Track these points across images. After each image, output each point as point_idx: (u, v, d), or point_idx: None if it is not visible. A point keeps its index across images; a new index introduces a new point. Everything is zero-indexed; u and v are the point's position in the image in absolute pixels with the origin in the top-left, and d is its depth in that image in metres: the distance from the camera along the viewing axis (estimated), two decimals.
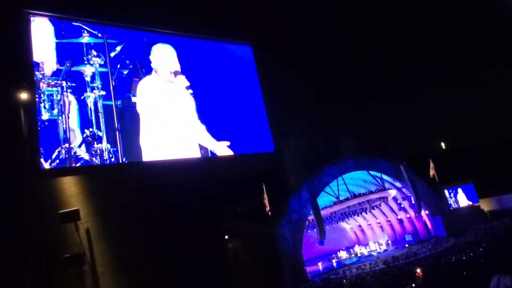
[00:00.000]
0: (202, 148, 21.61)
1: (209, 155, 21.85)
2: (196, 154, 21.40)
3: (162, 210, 18.23)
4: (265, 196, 23.03)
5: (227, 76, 24.49)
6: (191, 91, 21.10)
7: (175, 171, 19.82)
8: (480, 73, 39.37)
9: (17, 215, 15.13)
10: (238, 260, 21.97)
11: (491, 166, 36.44)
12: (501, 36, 35.92)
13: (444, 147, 43.02)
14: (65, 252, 15.29)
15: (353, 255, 30.90)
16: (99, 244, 16.57)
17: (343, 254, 31.05)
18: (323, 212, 27.66)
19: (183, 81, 21.14)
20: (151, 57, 20.82)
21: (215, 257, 19.72)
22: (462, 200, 33.53)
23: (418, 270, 11.51)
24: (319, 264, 28.14)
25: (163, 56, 21.18)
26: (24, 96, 15.88)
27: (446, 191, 33.14)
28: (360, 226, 36.80)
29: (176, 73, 21.17)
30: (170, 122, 20.49)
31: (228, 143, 22.58)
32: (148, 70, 20.92)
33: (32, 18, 17.85)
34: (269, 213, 22.93)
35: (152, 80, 20.51)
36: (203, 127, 21.96)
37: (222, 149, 22.35)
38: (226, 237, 22.03)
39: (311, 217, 26.68)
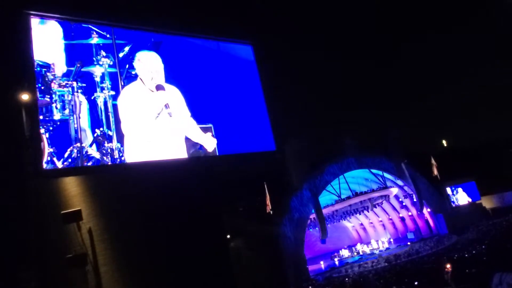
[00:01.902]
0: (201, 148, 21.43)
1: (217, 152, 21.74)
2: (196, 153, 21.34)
3: (163, 209, 18.27)
4: (267, 195, 23.05)
5: (228, 75, 24.50)
6: (169, 110, 20.25)
7: (176, 171, 19.84)
8: (481, 71, 39.28)
9: (19, 216, 15.18)
10: (240, 259, 22.01)
11: (493, 163, 36.37)
12: (502, 35, 35.84)
13: (445, 145, 42.94)
14: (68, 252, 15.33)
15: (355, 253, 30.94)
16: (101, 244, 16.61)
17: (345, 253, 31.10)
18: (324, 211, 27.69)
19: (162, 97, 20.43)
20: (134, 65, 20.45)
21: (217, 256, 19.75)
22: (462, 198, 33.52)
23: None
24: (321, 262, 28.17)
25: (146, 66, 20.81)
26: (25, 97, 15.93)
27: (448, 189, 33.12)
28: (362, 224, 36.82)
29: (158, 87, 20.33)
30: (159, 129, 20.08)
31: (210, 125, 22.03)
32: None
33: (43, 21, 18.06)
34: (271, 212, 22.95)
35: (136, 88, 20.11)
36: (193, 123, 21.62)
37: (209, 141, 21.74)
38: (228, 236, 22.06)
39: (312, 216, 26.70)
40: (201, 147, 21.35)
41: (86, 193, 17.00)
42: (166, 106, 20.05)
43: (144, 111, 19.83)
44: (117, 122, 18.79)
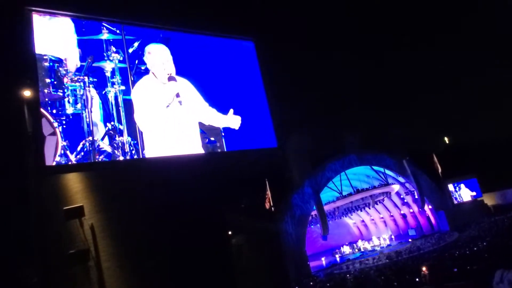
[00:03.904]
0: (209, 142, 21.70)
1: (221, 148, 21.90)
2: (199, 150, 21.45)
3: (165, 205, 18.30)
4: (268, 192, 23.07)
5: (229, 72, 24.49)
6: (180, 98, 20.67)
7: (178, 168, 19.86)
8: (483, 67, 39.14)
9: (22, 212, 15.23)
10: (241, 255, 22.06)
11: (495, 160, 36.28)
12: (504, 32, 35.69)
13: (447, 142, 42.85)
14: (70, 248, 15.40)
15: (356, 250, 30.97)
16: (103, 240, 16.67)
17: (346, 249, 31.13)
18: (326, 208, 27.71)
19: (174, 87, 20.76)
20: (145, 59, 20.78)
21: (219, 252, 19.81)
22: (466, 195, 33.42)
23: (424, 268, 11.40)
24: (323, 259, 28.25)
25: (156, 58, 21.09)
26: (27, 93, 15.94)
27: (451, 186, 33.07)
28: (363, 221, 36.83)
29: (170, 78, 20.78)
30: (171, 121, 20.37)
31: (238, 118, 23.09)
32: None
33: (52, 17, 18.22)
34: (272, 208, 22.98)
35: (149, 81, 20.42)
36: (213, 111, 22.31)
37: (235, 121, 22.83)
38: (230, 232, 22.10)
39: (314, 213, 26.72)
40: (209, 141, 21.61)
41: (88, 189, 17.05)
42: (177, 95, 20.44)
43: (158, 105, 20.12)
44: (128, 116, 19.07)
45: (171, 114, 20.48)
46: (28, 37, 17.30)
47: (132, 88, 19.71)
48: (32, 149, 15.72)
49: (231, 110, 22.97)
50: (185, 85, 21.67)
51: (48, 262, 15.19)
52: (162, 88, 20.56)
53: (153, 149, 19.58)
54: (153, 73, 20.65)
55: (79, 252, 15.40)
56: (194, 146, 21.19)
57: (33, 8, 17.81)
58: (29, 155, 15.60)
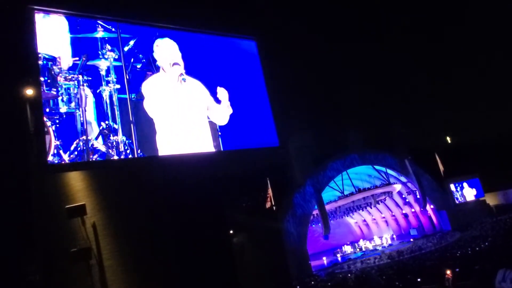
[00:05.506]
0: (214, 141, 21.80)
1: (221, 148, 21.96)
2: (203, 149, 21.43)
3: (167, 204, 18.32)
4: (270, 191, 23.08)
5: (231, 71, 24.45)
6: (184, 76, 20.96)
7: (180, 166, 19.88)
8: (485, 65, 39.01)
9: (24, 210, 15.28)
10: (243, 254, 22.09)
11: (497, 160, 36.16)
12: (506, 28, 35.55)
13: (449, 141, 42.75)
14: (72, 246, 15.43)
15: (357, 249, 30.95)
16: (105, 239, 16.69)
17: (347, 249, 31.11)
18: (327, 207, 27.69)
19: (177, 70, 20.94)
20: (154, 55, 20.83)
21: (220, 251, 19.82)
22: (469, 194, 33.30)
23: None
24: (324, 258, 28.24)
25: (163, 51, 21.16)
26: (30, 92, 15.97)
27: (452, 185, 32.98)
28: (364, 220, 36.80)
29: (173, 64, 21.04)
30: (177, 119, 20.49)
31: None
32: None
33: (47, 15, 18.14)
34: (274, 208, 23.00)
35: (159, 78, 20.52)
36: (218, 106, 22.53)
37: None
38: (231, 231, 22.13)
39: (315, 212, 26.72)
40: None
41: (90, 187, 17.07)
42: (181, 74, 20.76)
43: (167, 102, 20.26)
44: (123, 115, 18.98)
45: (181, 111, 20.63)
46: (30, 35, 17.28)
47: (128, 85, 19.64)
48: (34, 147, 15.76)
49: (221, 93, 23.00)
50: (195, 85, 21.82)
51: (50, 261, 15.23)
52: (173, 84, 20.75)
53: (163, 144, 19.66)
54: (162, 68, 20.70)
55: (81, 250, 15.41)
56: (203, 144, 21.31)
57: (35, 7, 17.80)
58: (31, 154, 15.65)
